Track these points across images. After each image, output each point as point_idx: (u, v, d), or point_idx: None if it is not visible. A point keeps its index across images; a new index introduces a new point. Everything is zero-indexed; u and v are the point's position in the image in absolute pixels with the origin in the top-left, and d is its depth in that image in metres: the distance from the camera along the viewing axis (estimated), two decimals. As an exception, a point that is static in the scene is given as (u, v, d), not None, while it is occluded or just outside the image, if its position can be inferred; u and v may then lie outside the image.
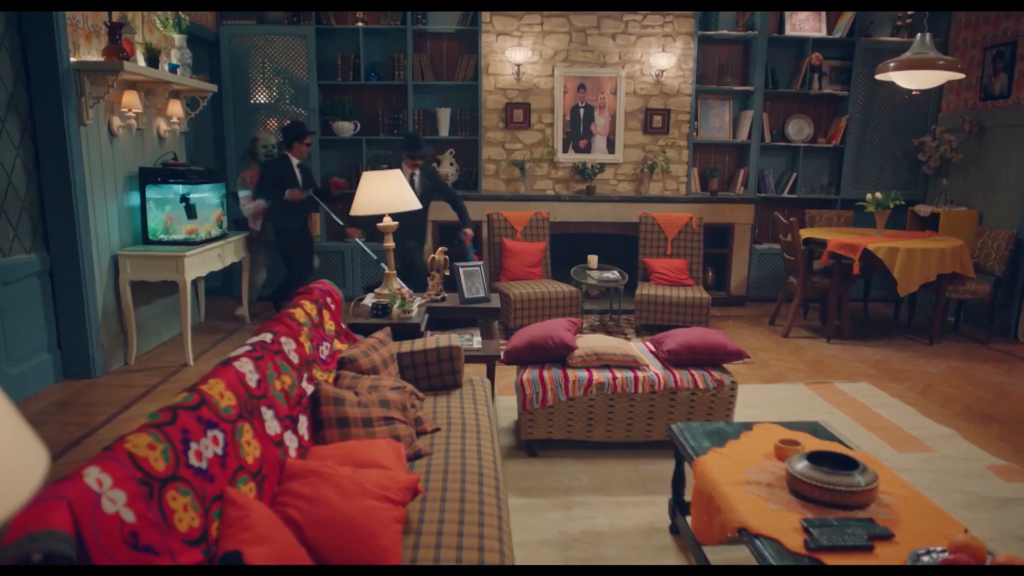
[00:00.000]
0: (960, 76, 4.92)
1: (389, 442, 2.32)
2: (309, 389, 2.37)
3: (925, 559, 1.77)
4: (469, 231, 5.32)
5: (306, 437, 2.22)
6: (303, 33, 6.23)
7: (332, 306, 3.00)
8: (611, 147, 6.55)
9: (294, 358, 2.33)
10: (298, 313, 2.57)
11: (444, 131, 6.53)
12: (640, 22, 6.42)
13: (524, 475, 3.25)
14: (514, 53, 6.30)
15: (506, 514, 2.20)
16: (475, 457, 2.46)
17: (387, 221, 3.97)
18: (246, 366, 1.98)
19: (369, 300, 3.91)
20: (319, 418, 2.34)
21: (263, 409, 1.96)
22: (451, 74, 6.57)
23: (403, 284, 4.02)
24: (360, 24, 6.28)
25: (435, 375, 3.19)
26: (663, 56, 6.37)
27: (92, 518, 1.21)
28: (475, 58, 6.41)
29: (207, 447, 1.62)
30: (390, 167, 4.16)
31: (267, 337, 2.24)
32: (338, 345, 2.90)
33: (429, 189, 5.25)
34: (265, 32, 6.27)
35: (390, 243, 3.98)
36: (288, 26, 6.29)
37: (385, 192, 3.89)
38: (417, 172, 5.19)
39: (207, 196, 5.07)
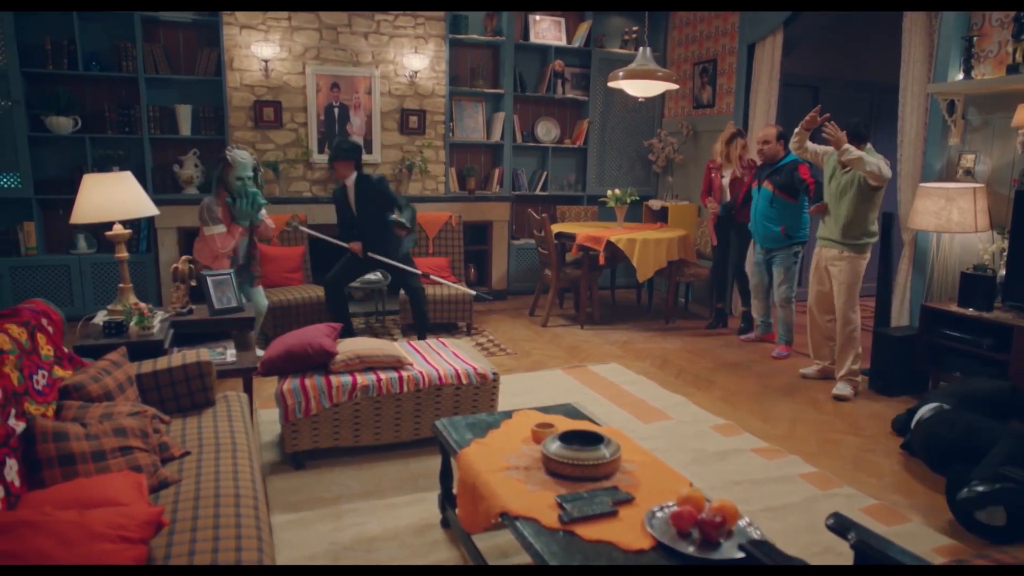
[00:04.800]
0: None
1: (127, 475, 2.09)
2: (20, 427, 2.05)
3: (659, 515, 1.98)
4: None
5: (17, 483, 1.92)
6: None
7: (49, 328, 2.62)
8: (368, 147, 6.47)
9: (-4, 392, 1.99)
10: None
11: (186, 130, 6.00)
12: (392, 22, 6.42)
13: (291, 489, 3.11)
14: (261, 48, 5.97)
15: (267, 535, 2.09)
16: (231, 478, 2.30)
17: (118, 229, 3.57)
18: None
19: (101, 318, 3.49)
20: (35, 459, 2.04)
21: (-48, 457, 1.66)
22: (190, 68, 6.06)
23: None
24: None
25: (183, 395, 2.93)
26: (416, 57, 6.43)
27: None
28: (217, 52, 5.96)
29: None
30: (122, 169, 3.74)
31: (-44, 371, 1.90)
32: (59, 372, 2.54)
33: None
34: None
35: (123, 254, 3.58)
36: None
37: (115, 196, 3.48)
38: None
39: None
